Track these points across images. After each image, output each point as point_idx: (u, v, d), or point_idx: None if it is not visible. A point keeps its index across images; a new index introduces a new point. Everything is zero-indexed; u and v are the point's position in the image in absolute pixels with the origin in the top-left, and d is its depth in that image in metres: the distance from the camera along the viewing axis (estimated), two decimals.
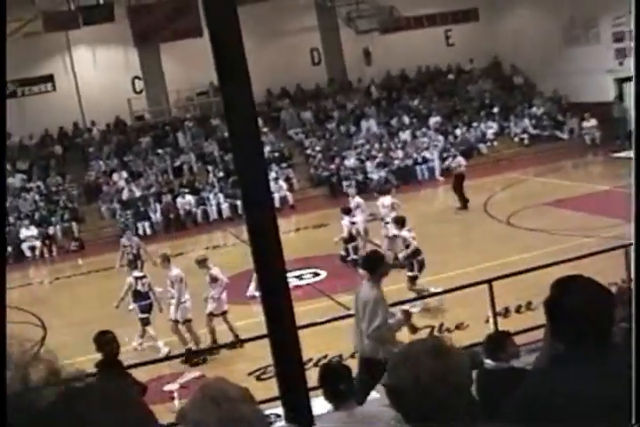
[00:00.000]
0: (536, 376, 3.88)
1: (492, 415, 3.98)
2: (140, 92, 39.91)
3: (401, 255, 18.20)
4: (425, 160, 35.92)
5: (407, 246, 17.85)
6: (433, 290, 16.81)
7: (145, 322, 17.29)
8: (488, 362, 8.08)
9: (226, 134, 35.51)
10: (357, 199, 23.54)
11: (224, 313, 16.99)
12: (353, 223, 21.85)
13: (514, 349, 8.36)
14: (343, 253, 21.66)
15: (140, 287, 17.55)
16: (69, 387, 1.83)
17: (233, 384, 2.96)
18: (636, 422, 2.90)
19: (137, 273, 17.97)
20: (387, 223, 21.12)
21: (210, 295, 17.06)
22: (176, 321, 16.79)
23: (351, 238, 21.64)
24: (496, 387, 5.74)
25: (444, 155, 36.11)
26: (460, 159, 28.37)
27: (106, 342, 10.65)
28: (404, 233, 17.93)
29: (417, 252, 17.84)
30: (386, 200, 22.54)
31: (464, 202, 27.35)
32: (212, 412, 2.71)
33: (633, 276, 3.13)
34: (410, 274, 17.62)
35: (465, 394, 2.81)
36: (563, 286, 3.50)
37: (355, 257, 21.07)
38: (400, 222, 18.08)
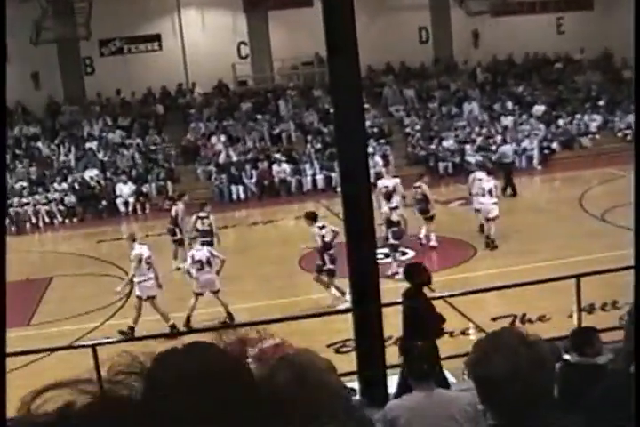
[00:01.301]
0: (619, 376, 3.94)
1: (572, 409, 4.05)
2: (245, 57, 40.17)
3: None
4: (524, 149, 35.60)
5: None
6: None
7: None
8: (572, 356, 8.08)
9: (327, 106, 35.70)
10: (395, 180, 23.85)
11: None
12: (393, 209, 21.09)
13: (599, 345, 8.34)
14: (319, 262, 18.42)
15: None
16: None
17: (318, 355, 3.07)
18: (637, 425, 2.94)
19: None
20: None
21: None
22: (139, 298, 17.01)
23: (326, 247, 18.24)
24: (578, 381, 5.78)
25: (544, 144, 35.83)
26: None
27: (418, 271, 11.10)
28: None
29: (327, 245, 18.01)
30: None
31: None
32: (298, 381, 2.80)
33: (633, 278, 3.18)
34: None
35: (552, 384, 2.88)
36: None
37: (331, 267, 18.07)
38: None
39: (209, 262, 17.42)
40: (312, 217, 18.61)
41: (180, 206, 22.49)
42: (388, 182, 23.65)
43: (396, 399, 7.36)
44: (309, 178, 33.88)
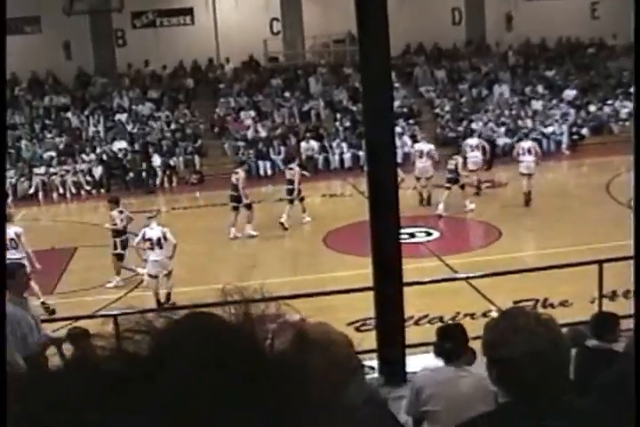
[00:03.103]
0: (631, 359, 3.93)
1: (586, 392, 4.05)
2: (277, 33, 40.09)
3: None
4: (553, 132, 35.44)
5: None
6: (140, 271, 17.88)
7: None
8: (591, 341, 8.08)
9: (357, 84, 35.59)
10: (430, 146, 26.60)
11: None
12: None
13: (618, 332, 8.34)
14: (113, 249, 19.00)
15: None
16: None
17: (336, 329, 3.07)
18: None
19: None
20: None
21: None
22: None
23: (120, 232, 18.97)
24: (594, 366, 5.78)
25: (574, 129, 35.65)
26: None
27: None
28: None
29: (121, 231, 18.69)
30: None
31: None
32: (316, 355, 2.80)
33: (633, 275, 3.17)
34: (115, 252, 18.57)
35: (568, 364, 2.88)
36: None
37: (122, 251, 18.89)
38: None
39: (159, 243, 17.12)
40: (115, 201, 19.72)
41: (241, 174, 23.23)
42: (423, 147, 26.68)
43: (427, 370, 7.42)
44: (337, 156, 33.85)
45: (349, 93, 37.07)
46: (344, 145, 34.12)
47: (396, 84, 36.47)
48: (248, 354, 0.93)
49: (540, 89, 38.83)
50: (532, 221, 22.53)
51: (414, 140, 30.54)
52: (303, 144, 33.64)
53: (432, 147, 26.85)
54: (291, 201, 23.50)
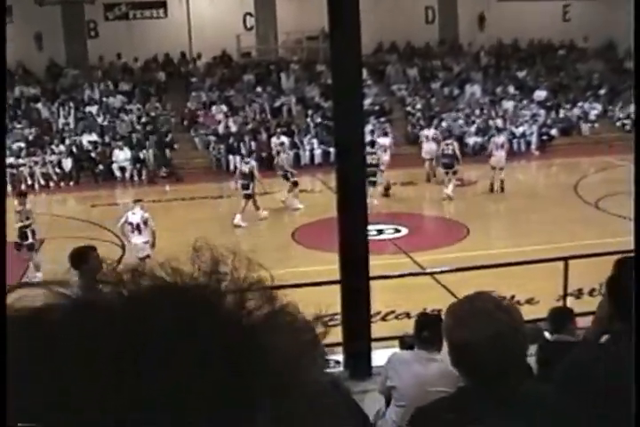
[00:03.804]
0: (587, 347, 3.95)
1: (545, 381, 4.07)
2: (251, 29, 40.02)
3: None
4: (523, 133, 35.59)
5: None
6: None
7: None
8: (551, 336, 8.18)
9: (329, 81, 35.58)
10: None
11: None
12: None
13: (575, 326, 8.43)
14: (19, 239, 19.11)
15: None
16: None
17: (302, 313, 3.07)
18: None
19: None
20: None
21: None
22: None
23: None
24: (555, 358, 5.81)
25: (544, 130, 35.84)
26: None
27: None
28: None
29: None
30: None
31: None
32: (284, 334, 2.82)
33: (634, 275, 3.17)
34: None
35: (526, 351, 2.89)
36: (623, 264, 3.57)
37: (32, 241, 19.41)
38: None
39: (139, 228, 17.68)
40: (23, 194, 20.24)
41: (253, 163, 24.66)
42: (428, 132, 30.44)
43: (401, 351, 7.59)
44: (307, 152, 33.86)
45: (321, 90, 37.08)
46: (315, 141, 34.14)
47: (368, 82, 36.57)
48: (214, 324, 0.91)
49: (510, 89, 39.04)
50: (501, 220, 22.67)
51: (420, 127, 34.16)
52: (274, 139, 33.56)
53: (437, 131, 30.90)
54: (248, 196, 23.72)
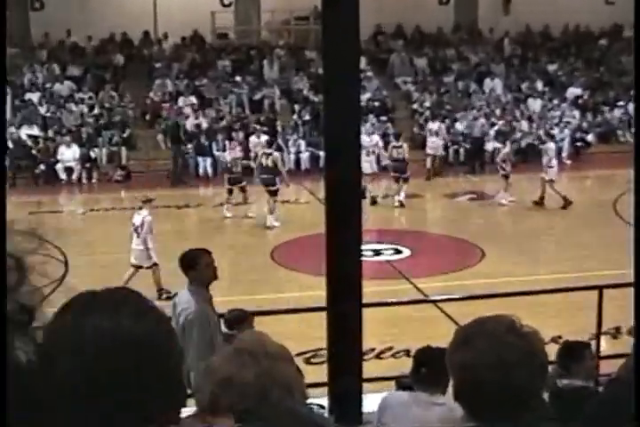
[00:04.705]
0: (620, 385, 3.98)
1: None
2: (229, 5, 40.05)
3: None
4: (553, 138, 35.59)
5: None
6: None
7: None
8: (562, 380, 8.18)
9: (320, 71, 35.64)
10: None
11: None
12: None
13: (591, 363, 8.47)
14: None
15: None
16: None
17: (273, 341, 3.12)
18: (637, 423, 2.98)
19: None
20: None
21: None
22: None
23: None
24: (569, 408, 5.83)
25: (578, 135, 35.85)
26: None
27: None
28: None
29: None
30: None
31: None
32: (249, 367, 2.86)
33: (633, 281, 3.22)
34: None
35: (543, 384, 2.91)
36: None
37: None
38: None
39: (137, 231, 18.62)
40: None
41: (276, 154, 26.27)
42: (433, 126, 32.95)
43: (396, 392, 7.62)
44: (293, 155, 33.85)
45: (311, 81, 37.11)
46: (302, 142, 34.14)
47: (368, 73, 36.68)
48: None
49: (539, 86, 39.10)
50: (523, 242, 22.65)
51: (425, 120, 35.07)
52: (252, 139, 33.49)
53: (442, 126, 33.05)
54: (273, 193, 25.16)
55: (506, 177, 27.15)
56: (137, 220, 18.74)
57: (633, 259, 3.30)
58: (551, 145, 28.11)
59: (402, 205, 27.01)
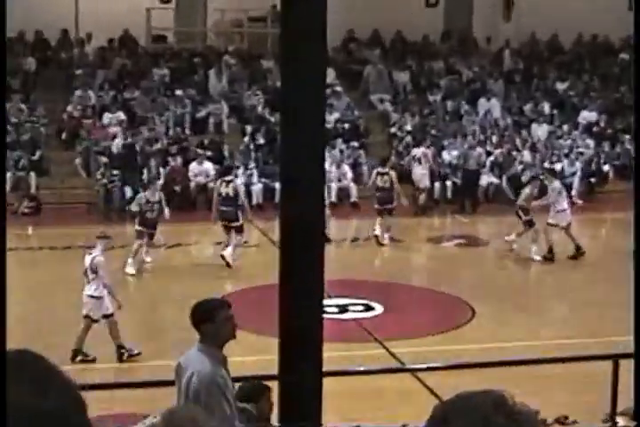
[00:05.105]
0: None
1: None
2: (168, 1, 40.15)
3: None
4: (562, 172, 35.63)
5: None
6: None
7: None
8: None
9: (279, 84, 35.69)
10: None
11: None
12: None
13: None
14: None
15: None
16: None
17: (207, 419, 3.10)
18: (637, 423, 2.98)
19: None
20: None
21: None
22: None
23: None
24: None
25: (592, 168, 35.88)
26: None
27: None
28: None
29: None
30: None
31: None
32: None
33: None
34: None
35: None
36: None
37: None
38: None
39: (86, 275, 18.40)
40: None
41: (238, 182, 27.61)
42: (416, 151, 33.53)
43: None
44: (242, 187, 33.84)
45: (267, 97, 37.17)
46: (254, 172, 34.13)
47: (337, 88, 36.80)
48: None
49: (545, 108, 39.28)
50: (523, 299, 22.71)
51: (406, 147, 35.72)
52: (194, 166, 33.49)
53: (428, 152, 33.51)
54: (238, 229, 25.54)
55: (529, 224, 26.41)
56: (87, 261, 18.57)
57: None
58: (557, 184, 27.18)
59: (392, 239, 27.70)
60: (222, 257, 24.88)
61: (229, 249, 25.00)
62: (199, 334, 9.24)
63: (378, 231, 27.48)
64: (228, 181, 25.99)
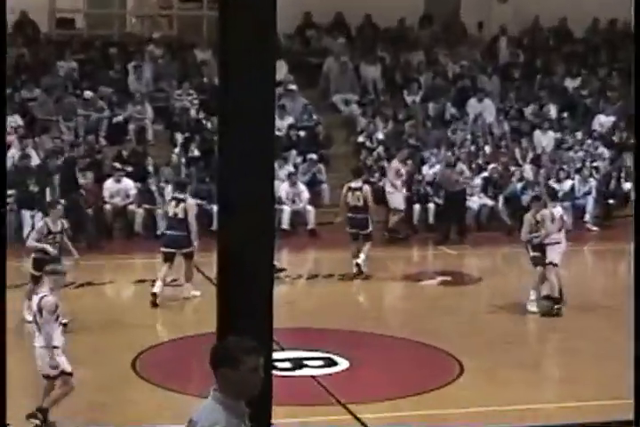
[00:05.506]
0: None
1: None
2: None
3: None
4: (572, 191, 35.67)
5: None
6: None
7: None
8: None
9: (216, 81, 35.74)
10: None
11: None
12: None
13: None
14: None
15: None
16: None
17: None
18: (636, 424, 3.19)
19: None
20: None
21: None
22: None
23: None
24: None
25: (610, 187, 35.91)
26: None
27: None
28: None
29: None
30: None
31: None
32: None
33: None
34: None
35: None
36: None
37: None
38: None
39: (36, 321, 18.10)
40: None
41: (191, 201, 27.29)
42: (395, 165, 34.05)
43: None
44: (195, 207, 33.79)
45: (202, 97, 37.23)
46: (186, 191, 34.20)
47: (290, 86, 36.94)
48: None
49: (551, 111, 39.42)
50: (518, 352, 22.88)
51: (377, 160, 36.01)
52: (109, 184, 33.44)
53: (403, 166, 34.21)
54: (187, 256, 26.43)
55: (535, 262, 25.72)
56: (34, 303, 18.37)
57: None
58: (558, 209, 26.50)
59: (360, 271, 28.38)
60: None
61: (159, 284, 25.46)
62: (216, 379, 8.27)
63: (360, 259, 28.25)
64: (179, 200, 26.39)
